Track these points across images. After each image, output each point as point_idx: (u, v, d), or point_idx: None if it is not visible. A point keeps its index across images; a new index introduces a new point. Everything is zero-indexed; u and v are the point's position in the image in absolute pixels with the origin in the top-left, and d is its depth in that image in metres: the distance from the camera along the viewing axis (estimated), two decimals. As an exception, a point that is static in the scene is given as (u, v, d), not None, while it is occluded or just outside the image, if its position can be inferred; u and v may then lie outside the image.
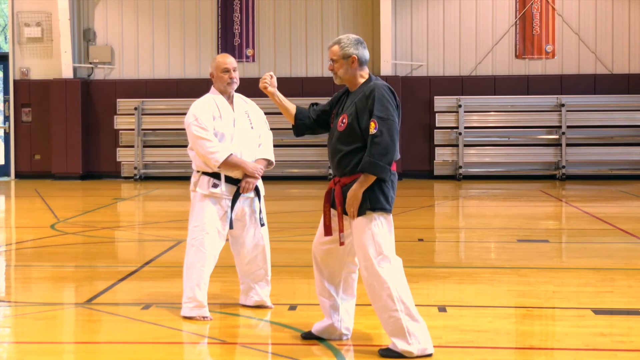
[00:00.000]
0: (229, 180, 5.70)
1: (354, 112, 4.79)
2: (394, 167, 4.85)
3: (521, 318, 5.82)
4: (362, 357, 4.84)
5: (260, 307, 5.96)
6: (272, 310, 5.91)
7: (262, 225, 5.85)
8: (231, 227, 5.73)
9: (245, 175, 5.70)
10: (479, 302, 6.29)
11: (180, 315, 5.69)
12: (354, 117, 4.78)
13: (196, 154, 5.71)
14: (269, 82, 5.19)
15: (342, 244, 4.87)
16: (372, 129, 4.66)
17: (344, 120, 4.83)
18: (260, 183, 5.85)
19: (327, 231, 4.93)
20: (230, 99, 5.82)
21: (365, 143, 4.72)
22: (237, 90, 5.89)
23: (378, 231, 4.74)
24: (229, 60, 5.79)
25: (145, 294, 6.59)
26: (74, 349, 5.24)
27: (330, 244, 4.97)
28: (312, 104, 5.22)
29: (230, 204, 5.71)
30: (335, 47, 4.91)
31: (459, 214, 12.80)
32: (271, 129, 6.04)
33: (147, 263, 7.94)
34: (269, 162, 5.87)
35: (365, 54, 4.92)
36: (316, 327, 5.12)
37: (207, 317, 5.64)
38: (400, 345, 4.70)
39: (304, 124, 5.17)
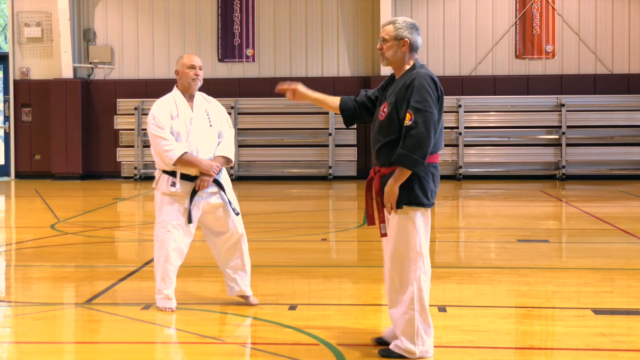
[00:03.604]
0: (186, 177, 5.81)
1: (394, 102, 4.65)
2: (436, 159, 4.72)
3: (521, 318, 5.82)
4: (362, 357, 4.83)
5: (242, 297, 6.02)
6: (272, 311, 5.91)
7: (237, 214, 5.93)
8: (190, 221, 5.82)
9: (201, 173, 5.77)
10: (479, 302, 6.29)
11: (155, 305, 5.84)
12: (394, 107, 4.64)
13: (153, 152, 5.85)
14: (296, 93, 5.27)
15: (384, 235, 4.76)
16: (407, 121, 4.51)
17: (385, 110, 4.70)
18: (225, 176, 5.97)
19: (370, 220, 4.87)
20: (191, 98, 5.99)
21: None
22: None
23: (413, 227, 4.68)
24: (196, 59, 6.08)
25: (145, 294, 6.58)
26: (74, 349, 5.24)
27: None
28: (362, 90, 5.13)
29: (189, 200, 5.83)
30: (389, 27, 4.77)
31: (459, 214, 12.79)
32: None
33: (147, 263, 7.93)
34: (227, 160, 5.95)
35: (418, 40, 4.76)
36: (386, 333, 5.04)
37: (171, 309, 5.80)
38: (405, 344, 4.68)
39: (350, 115, 5.06)
